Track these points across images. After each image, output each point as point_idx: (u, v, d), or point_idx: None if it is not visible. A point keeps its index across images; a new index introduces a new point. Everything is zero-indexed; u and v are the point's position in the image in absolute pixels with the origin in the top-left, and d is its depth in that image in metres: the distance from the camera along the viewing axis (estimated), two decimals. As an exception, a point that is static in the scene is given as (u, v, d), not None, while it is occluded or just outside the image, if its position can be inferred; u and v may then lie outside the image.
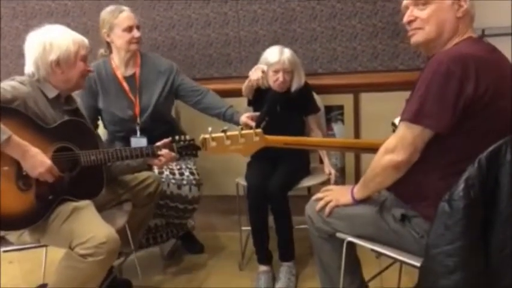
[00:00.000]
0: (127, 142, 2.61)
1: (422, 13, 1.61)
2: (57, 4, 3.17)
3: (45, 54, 1.96)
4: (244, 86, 2.52)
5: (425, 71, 1.53)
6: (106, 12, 2.55)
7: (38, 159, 1.84)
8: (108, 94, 2.60)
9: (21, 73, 2.01)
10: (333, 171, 2.60)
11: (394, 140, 1.59)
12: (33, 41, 1.99)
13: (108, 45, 2.62)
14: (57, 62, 1.97)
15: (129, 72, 2.62)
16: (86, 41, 2.06)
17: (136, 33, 2.53)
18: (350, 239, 1.79)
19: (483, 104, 1.47)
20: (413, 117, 1.53)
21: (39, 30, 2.00)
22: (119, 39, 2.53)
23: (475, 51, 1.53)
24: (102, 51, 2.66)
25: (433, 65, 1.51)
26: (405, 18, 1.67)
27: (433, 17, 1.60)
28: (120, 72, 2.60)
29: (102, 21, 2.55)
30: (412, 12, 1.63)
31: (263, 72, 2.43)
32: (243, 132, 1.87)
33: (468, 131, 1.51)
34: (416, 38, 1.64)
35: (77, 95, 2.20)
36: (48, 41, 1.96)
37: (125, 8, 2.55)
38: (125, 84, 2.59)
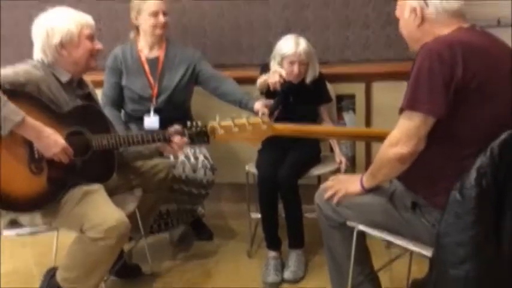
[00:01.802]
0: (142, 124, 2.68)
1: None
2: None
3: (48, 39, 1.98)
4: (259, 82, 2.49)
5: (416, 60, 1.54)
6: None
7: (52, 139, 1.85)
8: (131, 73, 2.71)
9: (18, 59, 2.01)
10: (343, 160, 2.59)
11: (397, 133, 1.59)
12: (37, 28, 2.00)
13: (137, 29, 2.71)
14: (62, 45, 1.98)
15: (153, 54, 2.72)
16: (90, 20, 2.06)
17: (161, 18, 2.62)
18: (361, 227, 1.79)
19: (472, 89, 1.48)
20: (409, 104, 1.53)
21: (42, 16, 2.01)
22: (145, 23, 2.64)
23: (463, 37, 1.54)
24: (131, 34, 2.75)
25: (423, 52, 1.53)
26: None
27: (403, 31, 1.72)
28: (143, 54, 2.71)
29: (133, 5, 2.66)
30: None
31: (281, 76, 2.41)
32: (251, 120, 1.87)
33: (464, 116, 1.51)
34: None
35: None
36: (50, 26, 1.98)
37: None
38: (146, 66, 2.70)
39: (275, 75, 2.41)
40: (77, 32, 2.01)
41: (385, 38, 2.90)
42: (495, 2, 2.69)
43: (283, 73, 2.43)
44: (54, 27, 1.98)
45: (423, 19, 1.62)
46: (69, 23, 1.99)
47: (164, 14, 2.62)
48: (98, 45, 2.09)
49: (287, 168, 2.44)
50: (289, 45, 2.50)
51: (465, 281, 1.36)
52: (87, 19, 2.06)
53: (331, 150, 2.73)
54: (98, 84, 2.58)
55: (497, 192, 1.33)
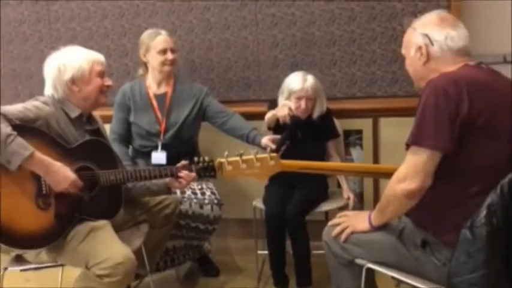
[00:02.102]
0: (150, 159, 2.70)
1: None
2: (81, 28, 3.24)
3: (60, 75, 2.02)
4: (267, 117, 2.51)
5: (422, 96, 1.56)
6: (145, 34, 2.72)
7: (62, 174, 1.86)
8: (138, 109, 2.74)
9: (29, 95, 2.05)
10: (351, 196, 2.58)
11: (404, 169, 1.58)
12: (49, 65, 2.05)
13: (145, 65, 2.76)
14: (73, 81, 2.02)
15: (161, 90, 2.75)
16: (101, 57, 2.11)
17: (169, 55, 2.67)
18: (370, 265, 1.76)
19: (478, 126, 1.49)
20: (415, 140, 1.54)
21: (55, 54, 2.06)
22: (153, 60, 2.68)
23: (468, 74, 1.56)
24: (140, 71, 2.80)
25: (428, 88, 1.54)
26: None
27: (409, 69, 1.75)
28: (151, 90, 2.75)
29: (141, 43, 2.72)
30: None
31: (290, 109, 2.43)
32: (258, 156, 1.87)
33: (470, 153, 1.51)
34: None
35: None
36: (62, 63, 2.02)
37: (163, 31, 2.70)
38: (154, 102, 2.73)
39: (284, 108, 2.43)
40: (88, 69, 2.05)
41: (391, 75, 2.92)
42: (500, 39, 2.72)
43: (293, 106, 2.45)
44: (66, 63, 2.02)
45: (428, 57, 1.64)
46: (80, 60, 2.04)
47: (172, 51, 2.68)
48: (108, 82, 2.13)
49: (295, 204, 2.43)
50: (297, 81, 2.52)
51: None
52: (98, 56, 2.10)
53: (339, 186, 2.72)
54: (107, 119, 2.61)
55: (508, 230, 1.31)
